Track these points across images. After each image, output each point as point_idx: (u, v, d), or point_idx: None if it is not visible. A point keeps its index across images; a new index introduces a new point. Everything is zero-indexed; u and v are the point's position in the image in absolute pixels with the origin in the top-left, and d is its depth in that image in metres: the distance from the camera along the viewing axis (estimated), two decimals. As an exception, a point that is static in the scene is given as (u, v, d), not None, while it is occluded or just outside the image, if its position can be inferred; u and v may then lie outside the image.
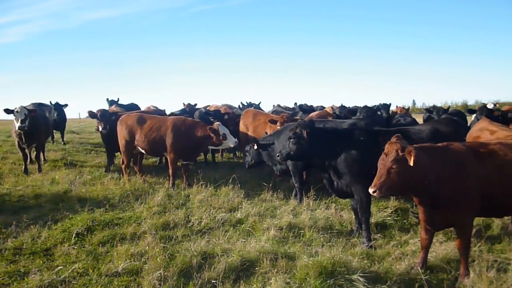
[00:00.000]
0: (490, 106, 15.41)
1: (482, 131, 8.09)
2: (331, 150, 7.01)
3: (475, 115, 12.50)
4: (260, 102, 20.72)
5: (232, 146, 10.70)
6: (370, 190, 5.21)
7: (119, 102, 18.47)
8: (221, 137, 10.23)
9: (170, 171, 10.75)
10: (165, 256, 6.14)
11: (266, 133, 10.81)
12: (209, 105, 18.21)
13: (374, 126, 9.18)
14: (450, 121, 8.40)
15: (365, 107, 12.57)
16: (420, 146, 5.29)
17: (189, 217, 8.06)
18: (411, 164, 4.99)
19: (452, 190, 5.22)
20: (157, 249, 6.33)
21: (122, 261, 6.01)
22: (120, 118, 11.59)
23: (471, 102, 53.07)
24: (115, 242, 6.80)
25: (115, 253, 6.38)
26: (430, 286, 5.35)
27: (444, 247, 6.42)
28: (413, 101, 60.95)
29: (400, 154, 5.07)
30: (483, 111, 11.72)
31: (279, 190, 9.88)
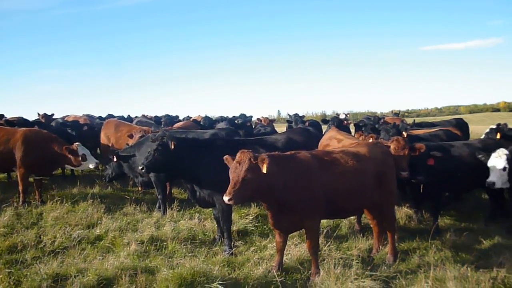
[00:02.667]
0: (342, 116, 16.93)
1: (331, 140, 8.87)
2: (194, 160, 7.06)
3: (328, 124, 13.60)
4: (129, 115, 19.98)
5: (92, 167, 10.18)
6: (225, 198, 5.27)
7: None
8: (80, 158, 9.64)
9: (20, 187, 9.79)
10: (9, 283, 5.60)
11: (128, 145, 10.47)
12: (67, 116, 17.06)
13: (235, 136, 9.48)
14: (303, 131, 9.06)
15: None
16: (269, 155, 5.55)
17: (41, 237, 7.47)
18: (264, 171, 5.24)
19: (299, 195, 5.60)
20: (0, 276, 5.72)
21: (-46, 293, 5.31)
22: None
23: (329, 112, 57.85)
24: None
25: None
26: (285, 287, 5.66)
27: (298, 249, 6.83)
28: (278, 111, 64.61)
29: (254, 162, 5.28)
30: (335, 121, 12.87)
31: (142, 203, 9.62)
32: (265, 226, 8.24)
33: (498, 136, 9.38)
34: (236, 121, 13.75)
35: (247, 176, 5.25)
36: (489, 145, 8.50)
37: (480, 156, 7.59)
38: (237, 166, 5.33)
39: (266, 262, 6.44)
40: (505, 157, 7.31)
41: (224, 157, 5.65)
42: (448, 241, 7.26)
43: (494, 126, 10.54)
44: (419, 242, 7.28)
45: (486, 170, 7.54)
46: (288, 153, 5.94)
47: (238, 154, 5.43)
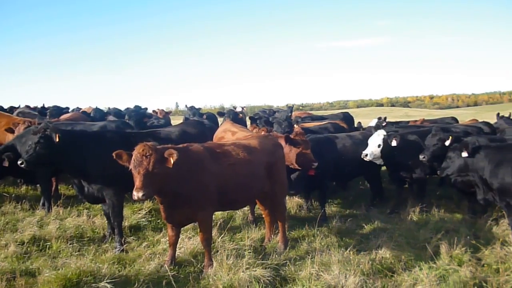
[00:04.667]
0: (238, 109, 17.11)
1: (225, 132, 8.95)
2: (81, 154, 6.67)
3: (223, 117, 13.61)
4: (20, 105, 17.96)
5: None
6: (139, 194, 4.95)
7: None
8: None
9: None
10: None
11: None
12: None
13: (126, 128, 9.16)
14: (198, 124, 9.03)
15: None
16: (163, 147, 5.42)
17: None
18: (171, 165, 5.12)
19: (192, 188, 5.57)
20: None
21: None
22: None
23: (227, 105, 58.50)
24: None
25: None
26: (177, 281, 5.59)
27: (192, 242, 6.80)
28: (176, 103, 63.79)
29: (161, 155, 5.12)
30: (230, 114, 12.98)
31: (24, 200, 8.88)
32: (158, 221, 8.09)
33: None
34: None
35: (157, 169, 5.07)
36: (368, 135, 9.30)
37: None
38: (143, 159, 5.07)
39: (159, 257, 6.34)
40: (382, 137, 8.47)
41: (116, 152, 5.38)
42: (333, 227, 7.70)
43: (373, 124, 11.40)
44: (308, 229, 7.64)
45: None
46: (181, 145, 5.86)
47: (139, 147, 5.17)
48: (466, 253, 6.29)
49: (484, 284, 5.45)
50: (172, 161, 5.13)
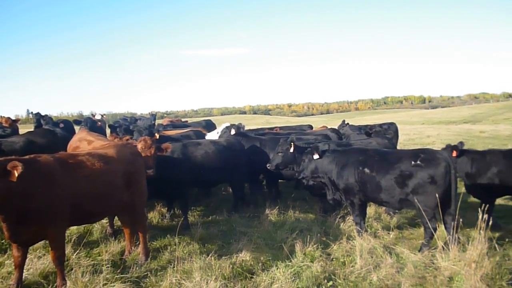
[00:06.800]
0: (98, 117, 16.27)
1: (81, 142, 8.44)
2: None
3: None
4: None
5: None
6: None
7: None
8: None
9: None
10: None
11: None
12: None
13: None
14: (47, 132, 8.37)
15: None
16: (5, 159, 4.86)
17: None
18: (15, 179, 4.62)
19: (41, 203, 5.10)
20: None
21: None
22: None
23: (86, 112, 55.24)
24: None
25: None
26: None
27: (42, 261, 6.25)
28: (28, 110, 58.09)
29: (3, 168, 4.60)
30: (87, 122, 12.30)
31: None
32: (2, 241, 7.26)
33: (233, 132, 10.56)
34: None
35: None
36: (231, 142, 9.62)
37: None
38: None
39: (2, 282, 5.73)
40: (224, 126, 10.82)
41: None
42: (196, 234, 7.72)
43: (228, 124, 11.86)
44: (170, 238, 7.55)
45: (229, 166, 8.68)
46: (27, 157, 5.34)
47: None
48: (318, 249, 6.79)
49: (333, 276, 5.95)
50: (16, 174, 4.64)
